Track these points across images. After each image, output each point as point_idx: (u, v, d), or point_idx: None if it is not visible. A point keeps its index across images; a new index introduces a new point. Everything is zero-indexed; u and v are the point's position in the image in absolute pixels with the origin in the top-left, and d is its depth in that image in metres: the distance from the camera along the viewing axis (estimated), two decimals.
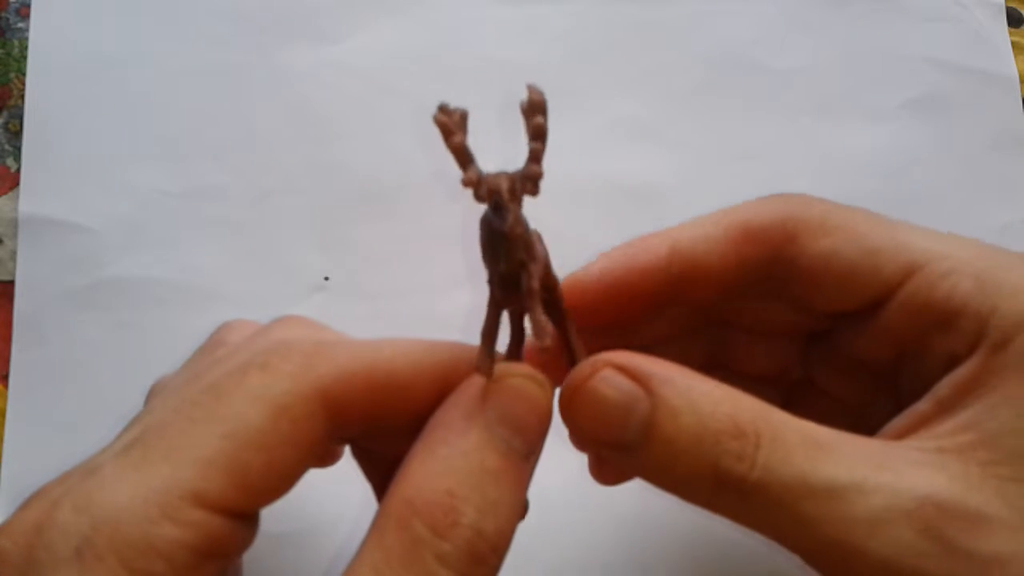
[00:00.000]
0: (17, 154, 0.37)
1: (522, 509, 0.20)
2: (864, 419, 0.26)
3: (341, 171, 0.38)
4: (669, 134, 0.40)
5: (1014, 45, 0.42)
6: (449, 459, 0.19)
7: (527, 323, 0.22)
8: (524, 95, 0.21)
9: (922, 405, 0.22)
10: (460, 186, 0.20)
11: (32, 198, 0.37)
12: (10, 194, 0.37)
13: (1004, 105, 0.41)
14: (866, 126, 0.40)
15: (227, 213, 0.37)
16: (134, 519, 0.17)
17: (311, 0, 0.40)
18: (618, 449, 0.21)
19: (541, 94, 0.21)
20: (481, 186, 0.20)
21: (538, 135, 0.21)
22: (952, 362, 0.23)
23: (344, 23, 0.40)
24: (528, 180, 0.21)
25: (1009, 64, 0.41)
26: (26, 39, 0.39)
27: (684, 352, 0.28)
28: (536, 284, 0.20)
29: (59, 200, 0.37)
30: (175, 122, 0.38)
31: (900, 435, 0.22)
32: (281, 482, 0.20)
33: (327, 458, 0.26)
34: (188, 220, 0.37)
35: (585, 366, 0.21)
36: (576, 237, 0.38)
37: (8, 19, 0.39)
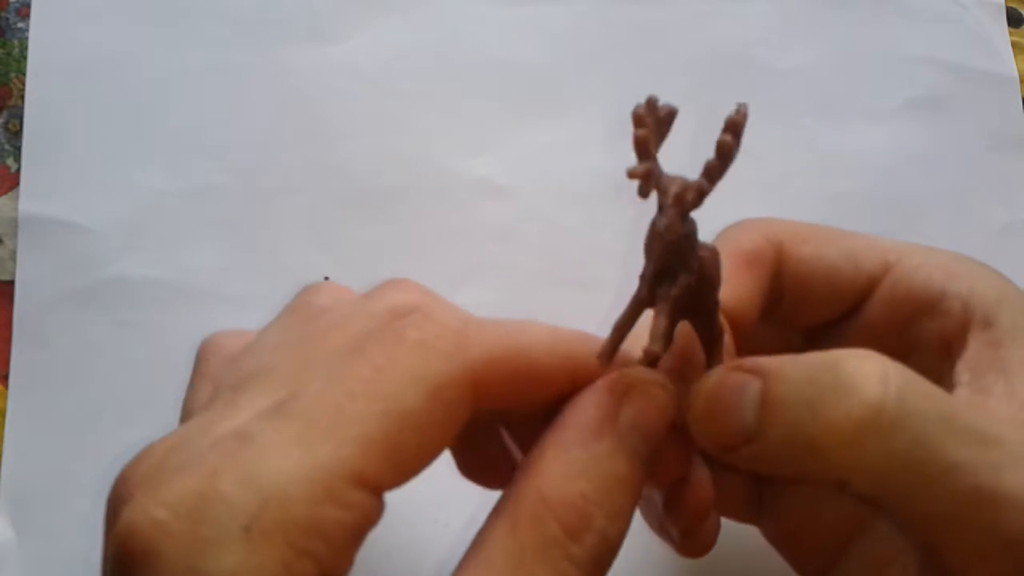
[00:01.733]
0: (17, 154, 0.37)
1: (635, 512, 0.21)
2: None
3: (341, 171, 0.38)
4: (669, 134, 0.39)
5: (1014, 45, 0.42)
6: (584, 462, 0.20)
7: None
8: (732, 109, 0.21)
9: (958, 393, 0.23)
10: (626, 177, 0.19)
11: (32, 198, 0.37)
12: (10, 194, 0.37)
13: (1004, 105, 0.41)
14: (866, 126, 0.40)
15: (227, 213, 0.37)
16: (301, 498, 0.16)
17: (311, 0, 0.40)
18: (742, 439, 0.20)
19: (744, 115, 0.21)
20: (649, 182, 0.20)
21: (721, 154, 0.20)
22: (947, 346, 0.24)
23: (344, 23, 0.40)
24: (691, 190, 0.20)
25: (1009, 64, 0.41)
26: (26, 39, 0.39)
27: None
28: (676, 292, 0.20)
29: (59, 200, 0.37)
30: (175, 122, 0.38)
31: None
32: (426, 463, 0.19)
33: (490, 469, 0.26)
34: (188, 220, 0.37)
35: (710, 375, 0.22)
36: (576, 237, 0.38)
37: (8, 19, 0.39)
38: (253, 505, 0.16)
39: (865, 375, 0.19)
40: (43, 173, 0.37)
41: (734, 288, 0.25)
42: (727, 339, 0.24)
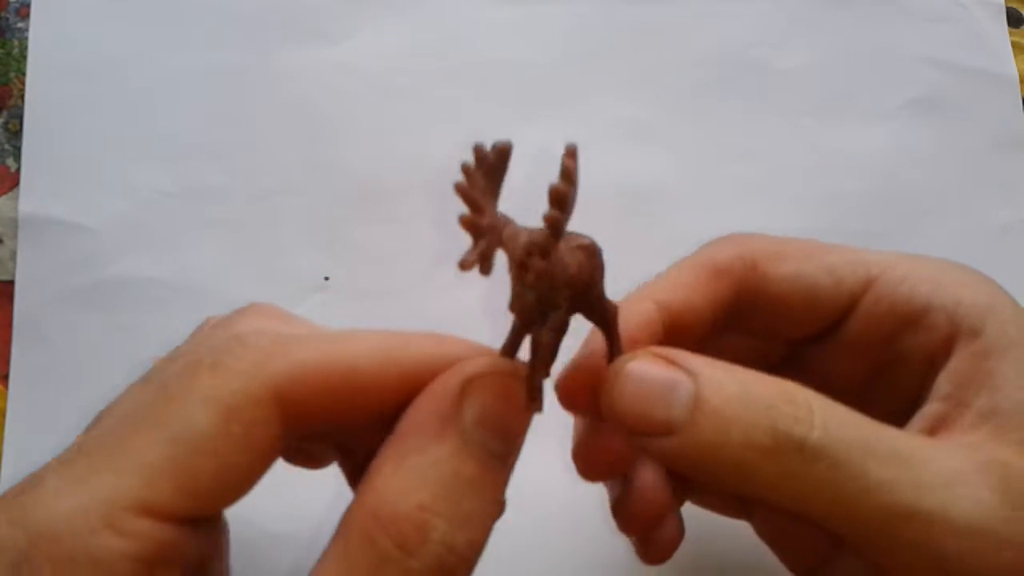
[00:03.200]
0: (17, 154, 0.37)
1: (499, 511, 0.19)
2: None
3: (341, 171, 0.38)
4: (669, 134, 0.40)
5: (1014, 45, 0.42)
6: (421, 469, 0.18)
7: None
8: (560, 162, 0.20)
9: (931, 407, 0.22)
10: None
11: (32, 198, 0.37)
12: (10, 194, 0.37)
13: (1004, 105, 0.41)
14: (866, 126, 0.40)
15: (227, 213, 0.37)
16: (74, 531, 0.17)
17: (311, 0, 0.40)
18: (663, 434, 0.20)
19: (574, 156, 0.20)
20: (476, 231, 0.19)
21: (558, 204, 0.19)
22: (930, 360, 0.23)
23: (344, 23, 0.40)
24: (535, 255, 0.19)
25: (1009, 64, 0.41)
26: (26, 39, 0.39)
27: None
28: (547, 337, 0.19)
29: (59, 200, 0.37)
30: (175, 122, 0.38)
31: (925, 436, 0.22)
32: (236, 486, 0.19)
33: (314, 460, 0.25)
34: (188, 220, 0.37)
35: (624, 356, 0.21)
36: None
37: (8, 19, 0.39)
38: (23, 542, 0.16)
39: (793, 408, 0.20)
40: (43, 173, 0.37)
41: (688, 293, 0.25)
42: (633, 323, 0.24)
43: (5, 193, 0.37)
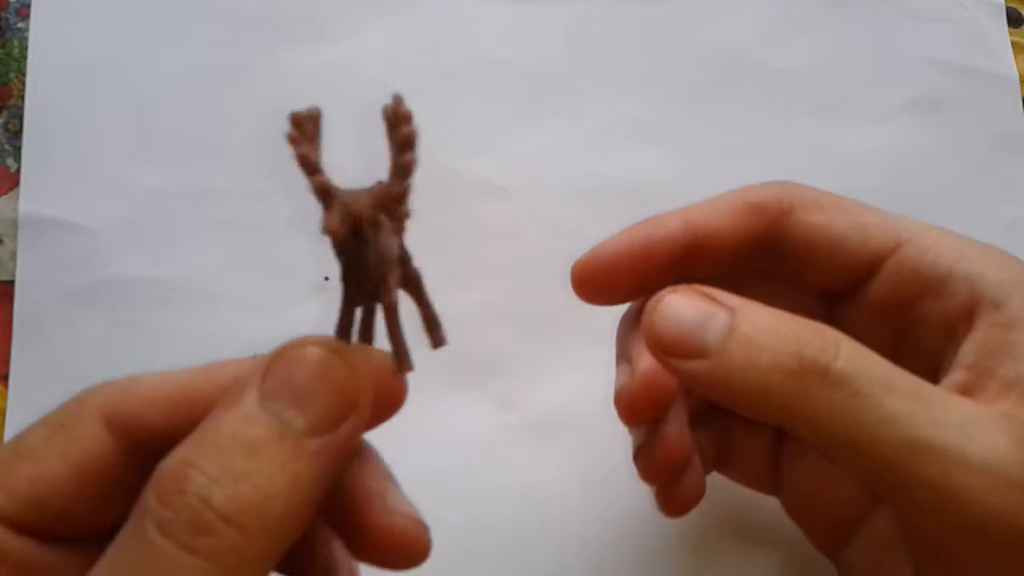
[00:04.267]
0: (17, 154, 0.37)
1: (300, 495, 0.18)
2: None
3: (341, 171, 0.38)
4: (669, 134, 0.40)
5: (1014, 45, 0.42)
6: (199, 433, 0.18)
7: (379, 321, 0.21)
8: (386, 104, 0.20)
9: (956, 375, 0.23)
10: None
11: (32, 198, 0.37)
12: (10, 194, 0.37)
13: (1004, 105, 0.41)
14: (866, 126, 0.40)
15: (227, 213, 0.37)
16: None
17: (311, 0, 0.40)
18: (696, 356, 0.22)
19: (404, 104, 0.20)
20: (333, 212, 0.19)
21: (407, 144, 0.19)
22: (951, 328, 0.24)
23: (344, 23, 0.40)
24: (394, 201, 0.20)
25: (1009, 64, 0.41)
26: (26, 39, 0.39)
27: None
28: (393, 299, 0.19)
29: (59, 200, 0.37)
30: (175, 122, 0.38)
31: None
32: (57, 498, 0.19)
33: None
34: (188, 220, 0.37)
35: (668, 288, 0.23)
36: (576, 237, 0.38)
37: (8, 19, 0.39)
38: None
39: (821, 339, 0.21)
40: (43, 173, 0.37)
41: (718, 220, 0.26)
42: (657, 234, 0.26)
43: (5, 193, 0.37)
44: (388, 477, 0.22)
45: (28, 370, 0.35)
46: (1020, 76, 0.41)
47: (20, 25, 0.39)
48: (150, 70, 0.39)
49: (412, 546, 0.21)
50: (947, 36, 0.42)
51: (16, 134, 0.37)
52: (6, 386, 0.35)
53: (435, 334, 0.21)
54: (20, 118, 0.38)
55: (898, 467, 0.20)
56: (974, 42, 0.42)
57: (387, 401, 0.21)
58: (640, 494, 0.34)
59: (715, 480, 0.35)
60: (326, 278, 0.37)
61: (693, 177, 0.39)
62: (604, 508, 0.34)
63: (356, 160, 0.38)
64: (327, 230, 0.19)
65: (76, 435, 0.20)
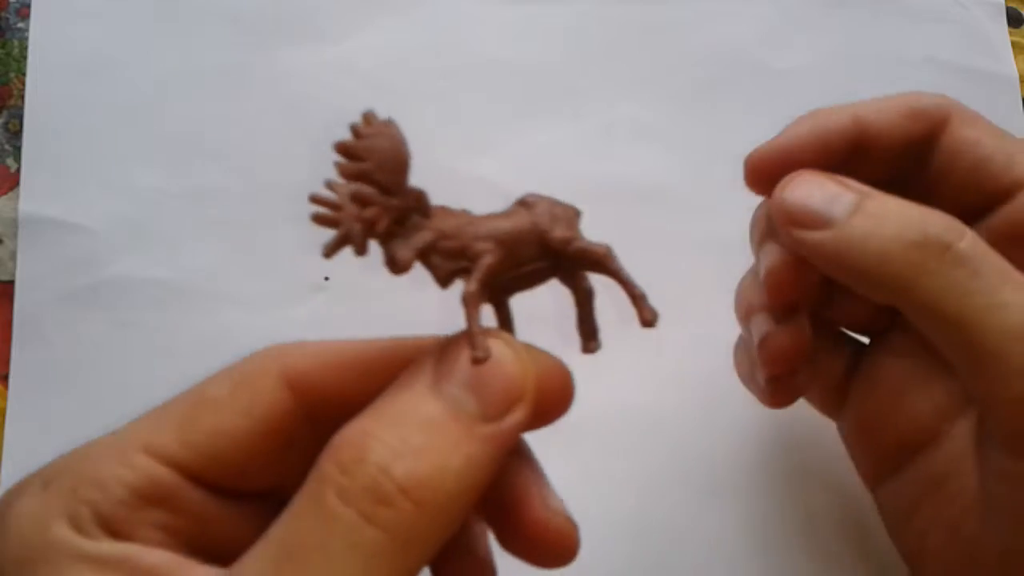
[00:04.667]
0: (17, 154, 0.37)
1: (471, 476, 0.18)
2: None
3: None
4: (669, 134, 0.40)
5: (1014, 45, 0.42)
6: (377, 407, 0.19)
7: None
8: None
9: None
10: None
11: (32, 198, 0.37)
12: (10, 194, 0.37)
13: (1004, 105, 0.41)
14: None
15: (227, 213, 0.37)
16: (92, 462, 0.19)
17: (311, 0, 0.40)
18: (822, 225, 0.23)
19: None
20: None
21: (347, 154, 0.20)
22: None
23: (344, 23, 0.40)
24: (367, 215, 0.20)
25: (1009, 64, 0.41)
26: (26, 39, 0.39)
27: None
28: (471, 290, 0.20)
29: (59, 200, 0.37)
30: (175, 122, 0.38)
31: None
32: (233, 449, 0.20)
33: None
34: (188, 220, 0.37)
35: (802, 170, 0.24)
36: None
37: (8, 19, 0.39)
38: (55, 469, 0.19)
39: (948, 221, 0.22)
40: (43, 173, 0.37)
41: (889, 120, 0.26)
42: (830, 126, 0.26)
43: (5, 193, 0.37)
44: (543, 475, 0.22)
45: (28, 370, 0.35)
46: (1020, 76, 0.41)
47: (20, 25, 0.39)
48: (150, 70, 0.39)
49: (566, 544, 0.21)
50: (947, 36, 0.42)
51: (16, 134, 0.37)
52: (6, 386, 0.35)
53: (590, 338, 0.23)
54: (20, 118, 0.38)
55: (1001, 354, 0.21)
56: (974, 42, 0.42)
57: (554, 401, 0.21)
58: (640, 494, 0.34)
59: (716, 480, 0.35)
60: (326, 278, 0.37)
61: (693, 177, 0.39)
62: (604, 508, 0.34)
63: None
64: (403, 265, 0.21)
65: (260, 391, 0.20)
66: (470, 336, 0.19)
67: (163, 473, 0.19)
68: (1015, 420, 0.22)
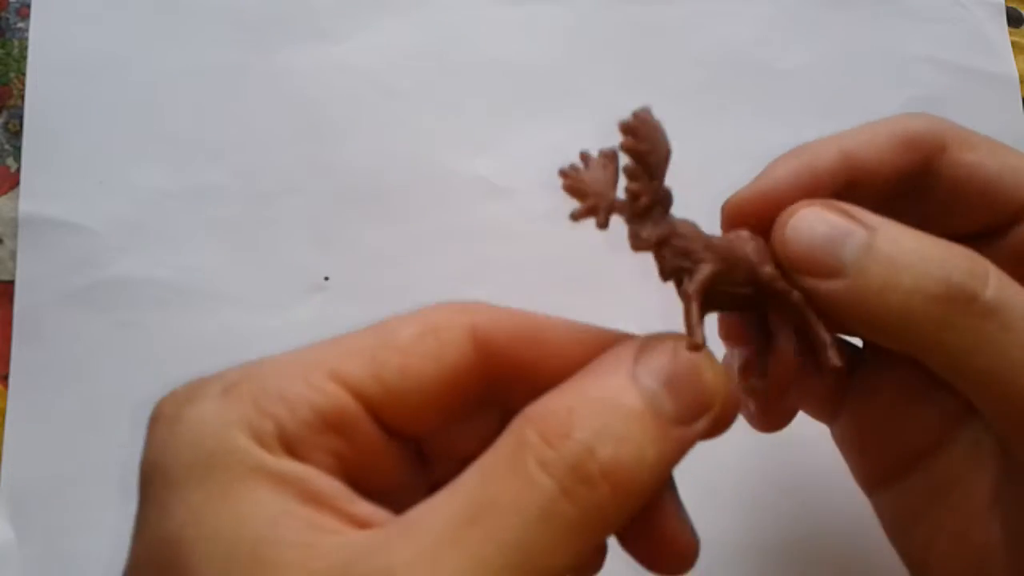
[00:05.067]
0: (17, 154, 0.37)
1: (660, 471, 0.19)
2: None
3: (341, 171, 0.38)
4: (670, 134, 0.39)
5: (1014, 45, 0.42)
6: (582, 389, 0.19)
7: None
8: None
9: None
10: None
11: (32, 198, 0.37)
12: (10, 194, 0.37)
13: (1004, 105, 0.41)
14: None
15: (227, 213, 0.37)
16: (277, 377, 0.19)
17: (311, 0, 0.40)
18: (831, 274, 0.21)
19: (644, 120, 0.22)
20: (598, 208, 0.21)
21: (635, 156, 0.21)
22: None
23: (344, 23, 0.40)
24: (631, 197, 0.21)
25: (1009, 64, 0.41)
26: (26, 39, 0.39)
27: None
28: (693, 288, 0.20)
29: (59, 200, 0.37)
30: (175, 122, 0.38)
31: None
32: (418, 392, 0.20)
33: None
34: (188, 220, 0.37)
35: (800, 202, 0.22)
36: (576, 237, 0.38)
37: (8, 19, 0.39)
38: (235, 376, 0.19)
39: (970, 264, 0.20)
40: (43, 173, 0.37)
41: (878, 153, 0.24)
42: (818, 165, 0.24)
43: (5, 193, 0.37)
44: (673, 482, 0.22)
45: (28, 370, 0.35)
46: (1020, 76, 0.41)
47: (20, 25, 0.39)
48: (150, 70, 0.39)
49: (684, 555, 0.22)
50: (947, 36, 0.42)
51: (16, 134, 0.37)
52: (6, 386, 0.35)
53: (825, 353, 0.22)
54: (20, 118, 0.38)
55: None
56: (974, 42, 0.42)
57: (725, 421, 0.21)
58: None
59: (715, 484, 0.35)
60: (326, 278, 0.37)
61: (693, 177, 0.39)
62: None
63: (359, 159, 0.38)
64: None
65: (448, 341, 0.20)
66: (689, 327, 0.20)
67: (349, 402, 0.19)
68: None
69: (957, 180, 0.24)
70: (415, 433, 0.21)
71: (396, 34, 0.40)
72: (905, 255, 0.20)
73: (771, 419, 0.27)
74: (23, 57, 0.38)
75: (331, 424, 0.19)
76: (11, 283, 0.36)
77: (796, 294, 0.22)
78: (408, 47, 0.40)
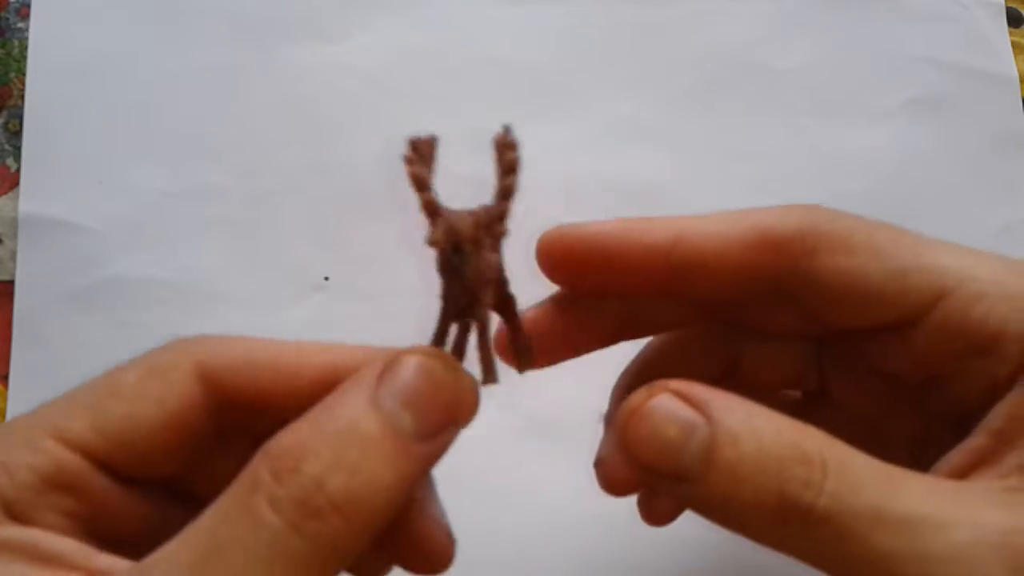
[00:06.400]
0: (17, 154, 0.37)
1: (399, 485, 0.19)
2: (882, 433, 0.25)
3: (341, 171, 0.38)
4: (669, 134, 0.40)
5: (1014, 45, 0.42)
6: (320, 419, 0.19)
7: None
8: (497, 133, 0.22)
9: (976, 440, 0.21)
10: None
11: (32, 198, 0.37)
12: (10, 194, 0.37)
13: (1004, 105, 0.41)
14: (866, 126, 0.40)
15: (227, 213, 0.37)
16: (7, 442, 0.20)
17: (311, 0, 0.40)
18: (676, 479, 0.20)
19: (511, 133, 0.22)
20: (437, 227, 0.21)
21: (510, 169, 0.21)
22: (993, 387, 0.22)
23: (344, 23, 0.40)
24: (495, 219, 0.21)
25: (1009, 64, 0.41)
26: (26, 39, 0.39)
27: (699, 354, 0.27)
28: (484, 318, 0.21)
29: (59, 200, 0.37)
30: (175, 122, 0.38)
31: (960, 473, 0.21)
32: (144, 439, 0.20)
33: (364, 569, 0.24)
34: (188, 220, 0.37)
35: (642, 391, 0.21)
36: None
37: (8, 19, 0.39)
38: None
39: (806, 471, 0.20)
40: (43, 173, 0.37)
41: (724, 247, 0.23)
42: (642, 242, 0.24)
43: (5, 193, 0.37)
44: (431, 484, 0.23)
45: (28, 370, 0.35)
46: (1020, 76, 0.41)
47: (20, 25, 0.39)
48: (150, 70, 0.39)
49: (440, 555, 0.22)
50: (947, 36, 0.42)
51: (16, 134, 0.38)
52: (6, 386, 0.35)
53: (522, 358, 0.23)
54: (20, 118, 0.38)
55: None
56: (974, 42, 0.42)
57: (467, 420, 0.21)
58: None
59: None
60: (326, 278, 0.37)
61: (693, 177, 0.39)
62: (604, 508, 0.34)
63: (359, 159, 0.38)
64: (431, 242, 0.21)
65: (172, 382, 0.21)
66: (486, 361, 0.21)
67: (71, 459, 0.20)
68: None
69: (832, 286, 0.23)
70: (151, 477, 0.21)
71: (396, 34, 0.40)
72: (743, 463, 0.20)
73: (649, 517, 0.27)
74: (23, 57, 0.38)
75: (56, 484, 0.19)
76: (11, 283, 0.36)
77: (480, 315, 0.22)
78: (408, 47, 0.40)
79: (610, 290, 0.25)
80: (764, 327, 0.26)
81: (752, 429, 0.20)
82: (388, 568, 0.23)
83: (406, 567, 0.22)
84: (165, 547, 0.18)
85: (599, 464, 0.25)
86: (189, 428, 0.21)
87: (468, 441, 0.35)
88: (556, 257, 0.25)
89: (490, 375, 0.21)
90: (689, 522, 0.35)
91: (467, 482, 0.34)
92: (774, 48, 0.41)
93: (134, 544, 0.20)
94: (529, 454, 0.34)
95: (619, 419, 0.21)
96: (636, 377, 0.27)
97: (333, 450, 0.18)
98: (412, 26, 0.40)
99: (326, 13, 0.40)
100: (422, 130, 0.21)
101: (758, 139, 0.40)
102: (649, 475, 0.21)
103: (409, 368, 0.19)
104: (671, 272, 0.24)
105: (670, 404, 0.20)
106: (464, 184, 0.41)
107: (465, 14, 0.40)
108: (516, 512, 0.34)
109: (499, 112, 0.40)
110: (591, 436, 0.35)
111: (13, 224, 0.36)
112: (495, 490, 0.34)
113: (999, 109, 0.41)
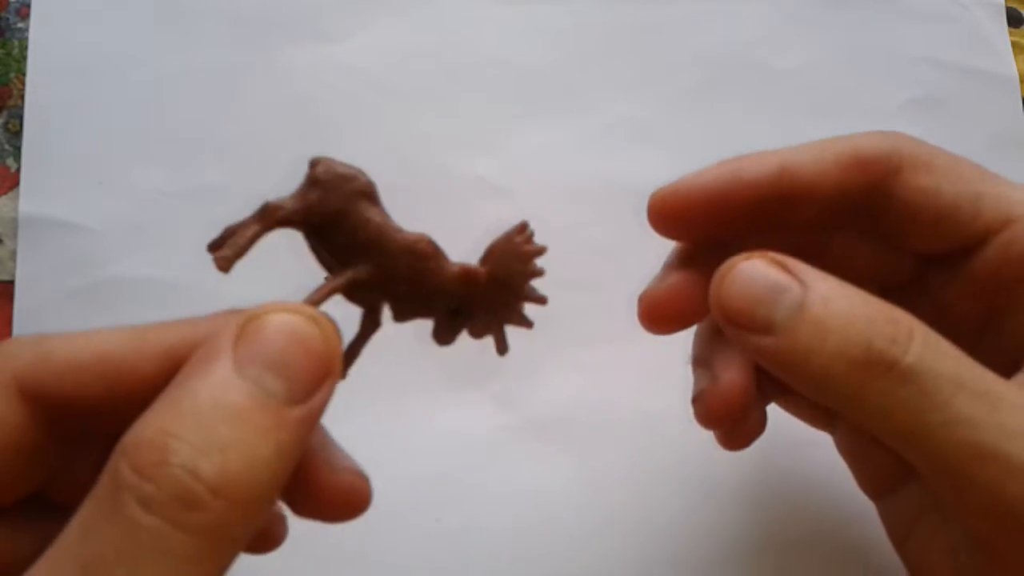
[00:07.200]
0: (17, 154, 0.37)
1: (282, 464, 0.17)
2: None
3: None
4: (669, 134, 0.40)
5: (1014, 45, 0.42)
6: (176, 400, 0.17)
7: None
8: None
9: None
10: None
11: (32, 198, 0.37)
12: (10, 194, 0.37)
13: (1004, 105, 0.41)
14: (866, 126, 0.40)
15: (227, 213, 0.37)
16: None
17: (312, 0, 0.40)
18: (763, 332, 0.21)
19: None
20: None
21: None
22: None
23: (344, 23, 0.40)
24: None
25: (1009, 64, 0.41)
26: (26, 39, 0.39)
27: None
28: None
29: (59, 200, 0.37)
30: (175, 122, 0.38)
31: None
32: None
33: (263, 542, 0.23)
34: (188, 220, 0.37)
35: (739, 255, 0.22)
36: (576, 237, 0.38)
37: (8, 19, 0.39)
38: None
39: (893, 329, 0.20)
40: (43, 173, 0.37)
41: (821, 170, 0.24)
42: (750, 174, 0.24)
43: (5, 193, 0.37)
44: (326, 435, 0.22)
45: None
46: (1020, 76, 0.41)
47: (20, 25, 0.39)
48: (150, 70, 0.39)
49: (358, 498, 0.21)
50: (947, 36, 0.42)
51: (16, 134, 0.38)
52: None
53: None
54: (20, 118, 0.38)
55: (957, 470, 0.20)
56: (974, 42, 0.42)
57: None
58: (638, 494, 0.34)
59: (714, 481, 0.35)
60: (326, 278, 0.37)
61: None
62: (603, 508, 0.34)
63: (359, 160, 0.38)
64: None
65: None
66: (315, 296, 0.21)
67: None
68: (974, 524, 0.21)
69: (911, 204, 0.24)
70: (2, 505, 0.20)
71: (396, 34, 0.40)
72: (832, 318, 0.21)
73: (733, 441, 0.27)
74: (23, 57, 0.38)
75: None
76: (11, 283, 0.36)
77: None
78: (408, 47, 0.40)
79: (722, 234, 0.26)
80: (841, 268, 0.26)
81: (843, 292, 0.21)
82: (286, 532, 0.23)
83: (327, 520, 0.21)
84: (32, 570, 0.16)
85: (696, 399, 0.26)
86: (25, 450, 0.19)
87: (468, 441, 0.35)
88: (672, 213, 0.25)
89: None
90: (690, 522, 0.35)
91: (467, 482, 0.34)
92: (774, 48, 0.41)
93: (13, 572, 0.18)
94: (528, 454, 0.34)
95: (715, 277, 0.22)
96: None
97: (199, 431, 0.16)
98: (412, 26, 0.40)
99: (326, 13, 0.40)
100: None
101: (758, 139, 0.40)
102: (736, 329, 0.21)
103: (268, 328, 0.18)
104: (777, 200, 0.24)
105: (765, 267, 0.21)
106: (464, 184, 0.41)
107: (465, 14, 0.40)
108: (515, 512, 0.34)
109: (499, 112, 0.40)
110: (591, 436, 0.35)
111: (13, 224, 0.36)
112: (495, 490, 0.34)
113: (999, 109, 0.41)
